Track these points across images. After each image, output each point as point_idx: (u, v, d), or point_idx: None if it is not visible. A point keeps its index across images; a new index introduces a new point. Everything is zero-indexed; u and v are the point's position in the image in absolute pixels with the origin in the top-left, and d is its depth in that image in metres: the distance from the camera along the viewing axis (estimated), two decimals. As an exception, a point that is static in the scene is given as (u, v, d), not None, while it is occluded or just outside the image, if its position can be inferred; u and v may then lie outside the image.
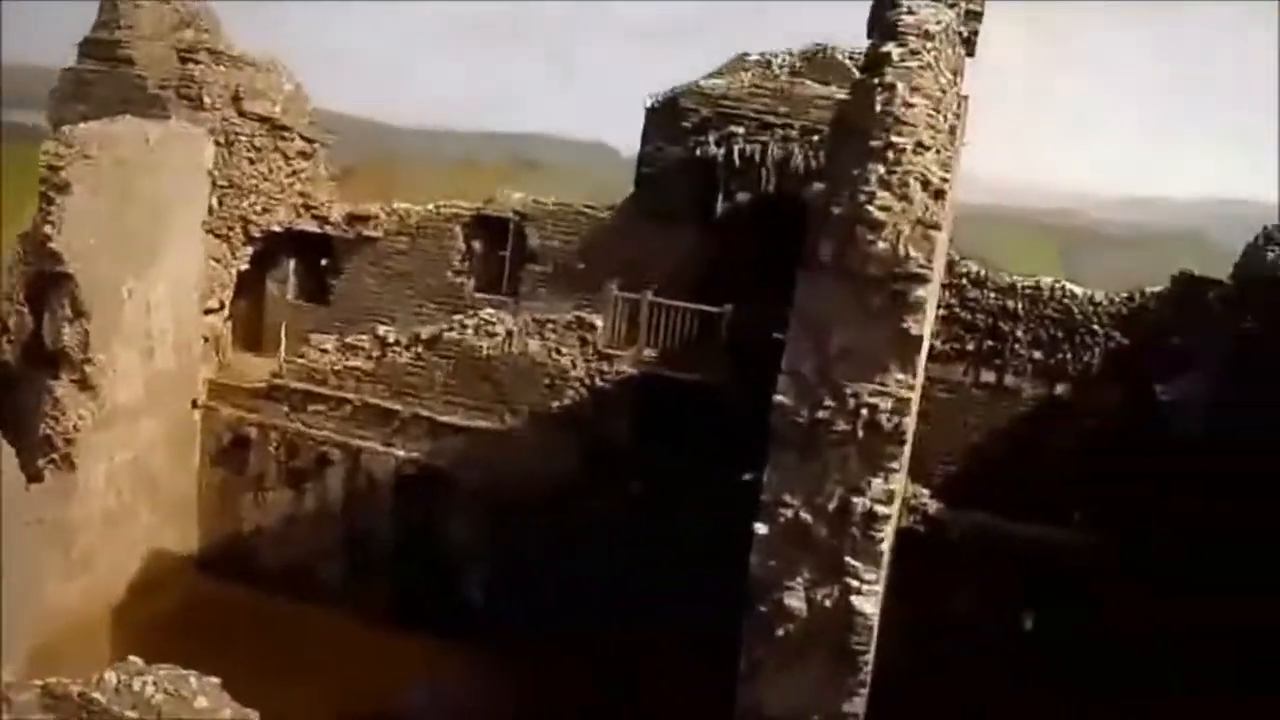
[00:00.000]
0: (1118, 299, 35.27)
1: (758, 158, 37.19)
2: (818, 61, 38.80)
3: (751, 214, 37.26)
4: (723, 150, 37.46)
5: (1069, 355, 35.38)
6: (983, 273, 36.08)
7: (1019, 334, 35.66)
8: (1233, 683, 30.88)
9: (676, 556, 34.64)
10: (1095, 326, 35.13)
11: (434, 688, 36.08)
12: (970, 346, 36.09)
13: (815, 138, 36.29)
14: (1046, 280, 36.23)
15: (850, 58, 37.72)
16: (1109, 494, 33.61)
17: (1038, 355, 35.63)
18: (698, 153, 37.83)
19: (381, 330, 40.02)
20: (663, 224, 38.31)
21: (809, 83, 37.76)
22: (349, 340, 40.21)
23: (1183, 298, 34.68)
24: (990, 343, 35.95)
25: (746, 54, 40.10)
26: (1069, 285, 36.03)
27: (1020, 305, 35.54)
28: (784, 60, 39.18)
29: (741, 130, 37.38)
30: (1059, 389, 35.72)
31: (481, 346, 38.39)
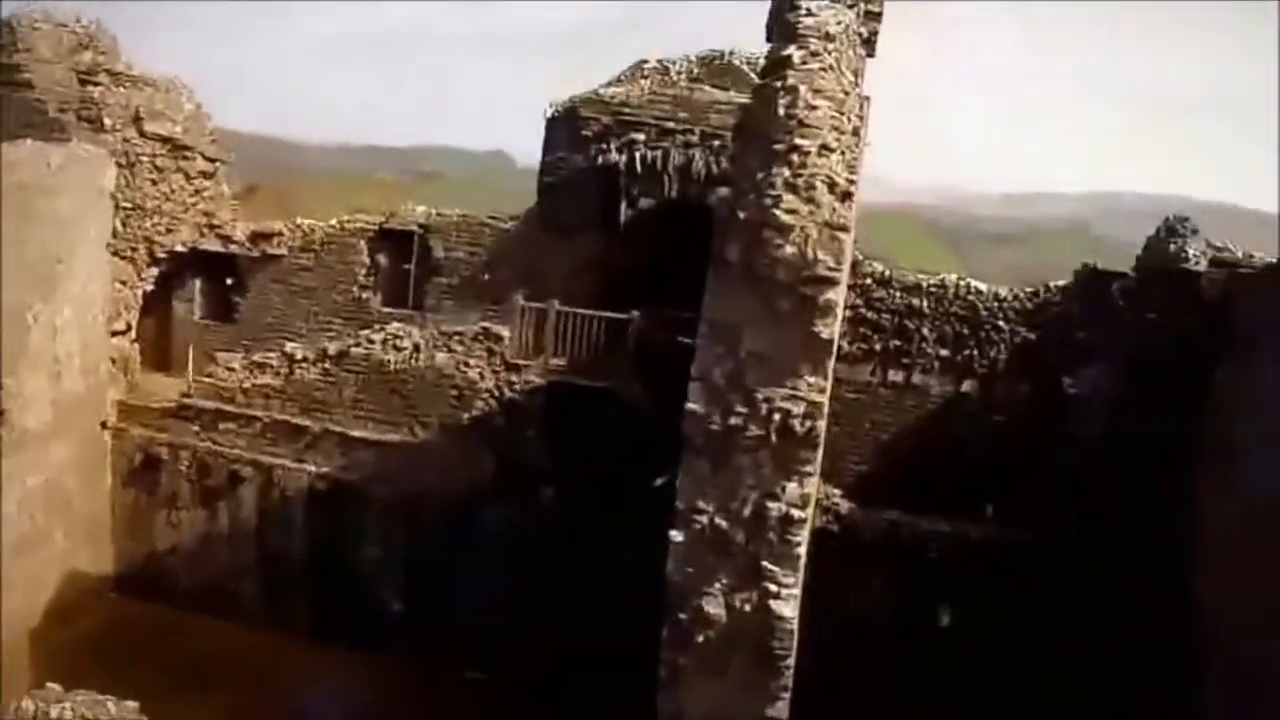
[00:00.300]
0: (1022, 294, 35.60)
1: (659, 164, 37.29)
2: (715, 67, 39.01)
3: (655, 220, 37.36)
4: (624, 157, 37.54)
5: (975, 352, 35.69)
6: (888, 272, 36.38)
7: (925, 332, 35.95)
8: (1143, 673, 31.21)
9: (590, 563, 34.77)
10: (1000, 322, 35.44)
11: (341, 698, 36.01)
12: (877, 346, 36.35)
13: (716, 143, 36.48)
14: (951, 278, 36.55)
15: (747, 62, 37.97)
16: (1020, 488, 33.93)
17: (944, 353, 35.93)
18: (599, 161, 37.89)
19: (289, 347, 39.93)
20: (567, 233, 38.36)
21: (708, 88, 37.94)
22: (257, 358, 40.10)
23: (1086, 291, 35.02)
24: (897, 342, 36.21)
25: (645, 61, 40.24)
26: (973, 282, 36.34)
27: (926, 303, 35.83)
28: (682, 66, 39.36)
29: (642, 137, 37.46)
30: (966, 385, 36.03)
31: (389, 360, 38.38)
